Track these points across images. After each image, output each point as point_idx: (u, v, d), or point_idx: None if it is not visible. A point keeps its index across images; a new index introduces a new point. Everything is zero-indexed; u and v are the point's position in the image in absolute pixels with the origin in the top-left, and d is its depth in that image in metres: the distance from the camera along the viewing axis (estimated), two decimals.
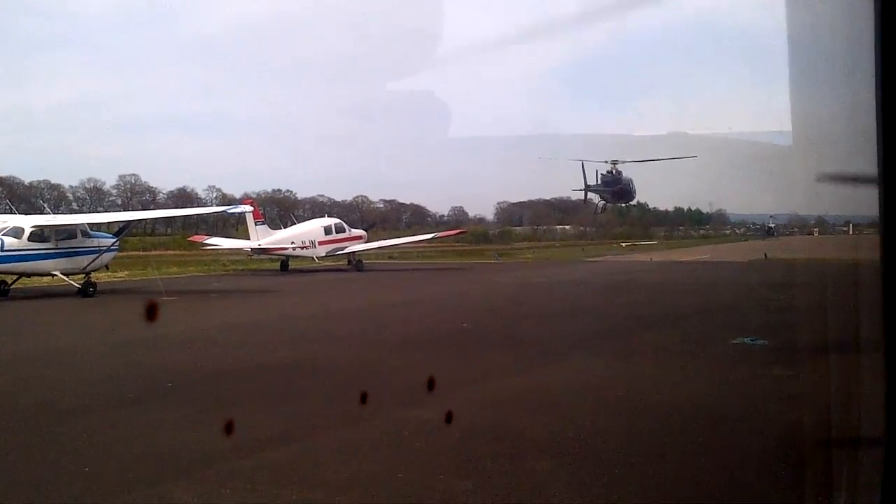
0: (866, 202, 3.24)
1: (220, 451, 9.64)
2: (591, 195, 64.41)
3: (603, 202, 67.36)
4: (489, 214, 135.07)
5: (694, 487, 8.35)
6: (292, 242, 51.35)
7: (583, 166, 60.99)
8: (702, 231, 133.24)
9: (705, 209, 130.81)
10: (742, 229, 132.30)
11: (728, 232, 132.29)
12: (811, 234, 72.43)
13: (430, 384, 12.82)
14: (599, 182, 62.43)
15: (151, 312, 9.32)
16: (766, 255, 50.22)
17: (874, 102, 3.16)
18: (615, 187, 62.68)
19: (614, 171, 61.96)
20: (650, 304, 27.84)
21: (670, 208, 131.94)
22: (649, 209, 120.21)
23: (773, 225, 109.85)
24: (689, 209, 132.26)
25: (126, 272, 45.45)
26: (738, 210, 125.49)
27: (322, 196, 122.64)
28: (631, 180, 63.54)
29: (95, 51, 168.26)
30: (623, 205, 77.30)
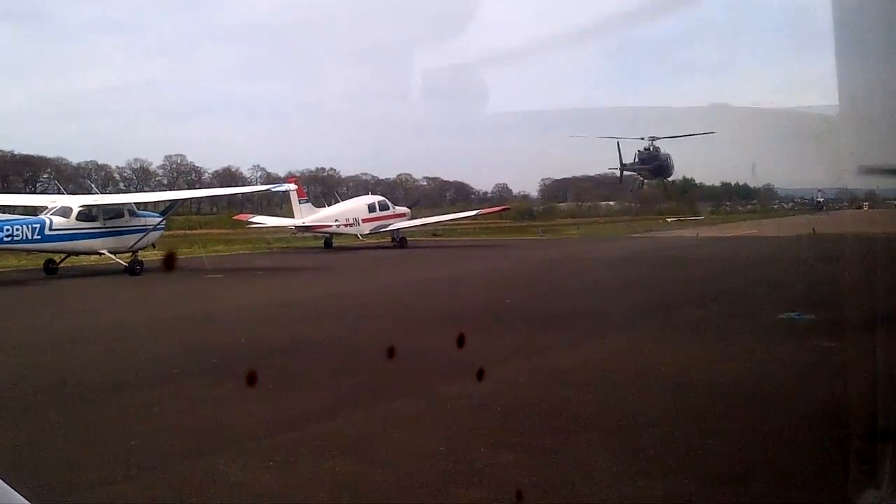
0: None
1: (264, 426, 9.76)
2: (628, 173, 63.80)
3: (641, 179, 66.71)
4: (533, 191, 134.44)
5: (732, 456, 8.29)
6: (336, 220, 51.49)
7: (618, 145, 60.72)
8: (749, 206, 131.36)
9: (752, 183, 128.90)
10: (790, 204, 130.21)
11: (776, 206, 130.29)
12: (860, 208, 71.17)
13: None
14: (636, 160, 61.89)
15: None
16: (814, 229, 49.45)
17: None
18: (652, 164, 62.15)
19: (651, 148, 61.35)
20: (698, 280, 27.61)
21: (717, 183, 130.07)
22: (695, 184, 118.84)
23: (821, 199, 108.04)
24: (736, 184, 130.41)
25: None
26: (785, 185, 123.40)
27: (366, 174, 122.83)
28: (669, 156, 62.91)
29: (141, 35, 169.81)
30: (663, 181, 76.10)
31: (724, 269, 31.51)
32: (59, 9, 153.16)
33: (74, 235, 32.67)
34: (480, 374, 12.08)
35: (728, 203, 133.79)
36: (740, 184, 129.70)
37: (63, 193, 39.15)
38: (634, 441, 8.91)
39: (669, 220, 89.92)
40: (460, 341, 14.23)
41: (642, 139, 60.89)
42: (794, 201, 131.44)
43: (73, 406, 11.11)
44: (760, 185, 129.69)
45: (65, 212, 32.88)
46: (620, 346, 15.36)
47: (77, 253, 34.04)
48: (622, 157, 60.88)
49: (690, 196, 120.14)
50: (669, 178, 72.10)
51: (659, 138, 60.67)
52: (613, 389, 11.58)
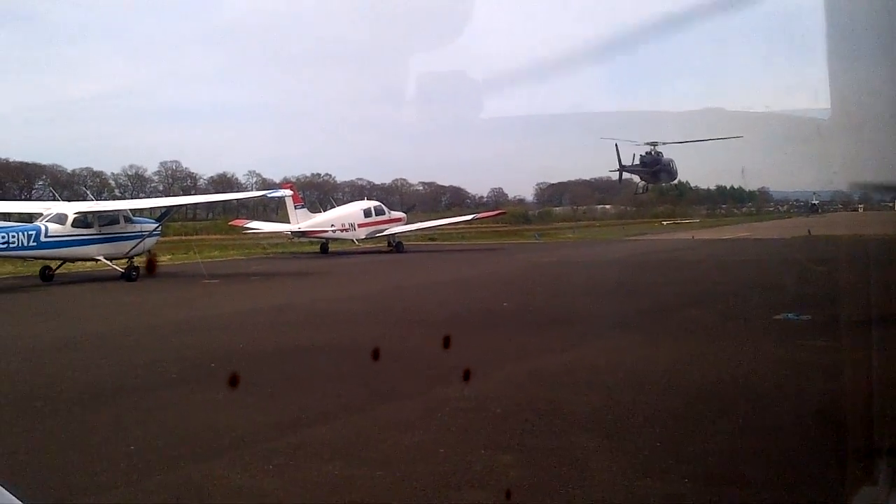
0: None
1: (263, 430, 9.77)
2: (630, 176, 63.55)
3: (644, 183, 66.37)
4: (529, 195, 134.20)
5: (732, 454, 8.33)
6: (332, 225, 51.49)
7: (616, 147, 60.18)
8: (744, 209, 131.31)
9: (745, 186, 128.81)
10: (785, 206, 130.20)
11: (771, 209, 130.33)
12: (856, 210, 71.29)
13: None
14: (638, 163, 61.58)
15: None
16: (809, 231, 49.52)
17: None
18: (654, 167, 61.76)
19: (654, 152, 61.05)
20: (693, 281, 27.66)
21: (711, 187, 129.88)
22: (690, 188, 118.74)
23: (816, 202, 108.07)
24: (731, 187, 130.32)
25: (168, 256, 45.95)
26: (780, 187, 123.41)
27: (361, 179, 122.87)
28: (672, 160, 62.58)
29: (134, 39, 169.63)
30: (665, 185, 75.65)
31: (720, 271, 31.52)
32: (51, 13, 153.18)
33: (70, 242, 32.64)
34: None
35: (723, 206, 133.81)
36: (735, 187, 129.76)
37: (58, 200, 39.22)
38: (632, 441, 8.94)
39: (665, 223, 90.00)
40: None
41: (645, 144, 60.49)
42: (789, 204, 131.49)
43: (72, 411, 11.11)
44: (755, 189, 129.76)
45: (60, 219, 32.86)
46: (617, 347, 15.36)
47: (73, 259, 34.04)
48: (621, 158, 60.43)
49: (686, 199, 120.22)
50: (673, 182, 71.34)
51: (662, 143, 60.29)
52: (610, 391, 11.61)
